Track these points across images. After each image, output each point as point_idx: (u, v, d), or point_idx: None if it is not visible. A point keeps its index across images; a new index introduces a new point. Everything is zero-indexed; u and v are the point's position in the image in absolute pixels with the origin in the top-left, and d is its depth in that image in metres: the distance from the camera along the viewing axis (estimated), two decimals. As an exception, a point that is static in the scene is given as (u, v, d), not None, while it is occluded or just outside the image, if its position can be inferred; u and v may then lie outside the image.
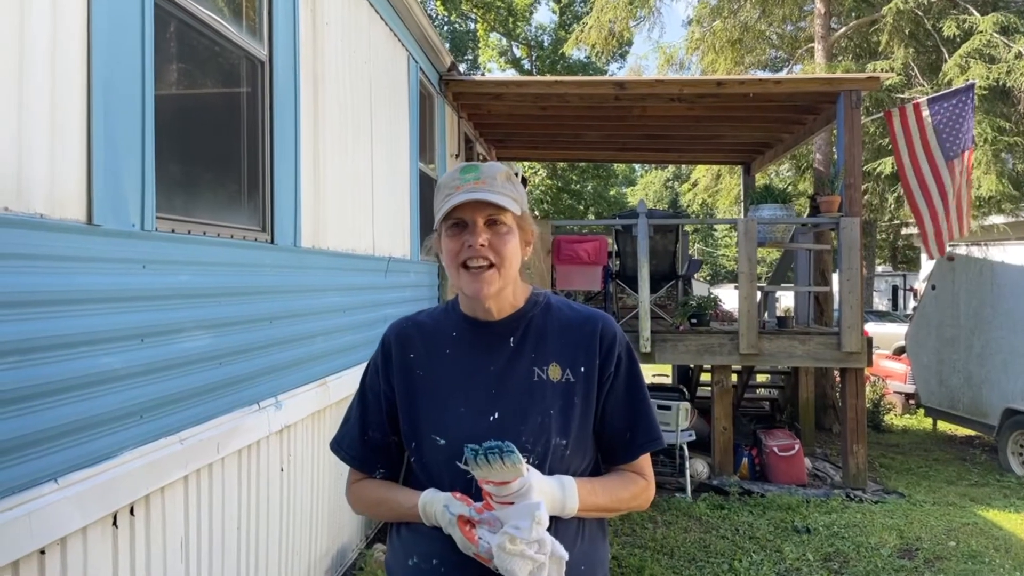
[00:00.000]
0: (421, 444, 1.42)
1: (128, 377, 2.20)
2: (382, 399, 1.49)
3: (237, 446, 2.84)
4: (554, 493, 1.30)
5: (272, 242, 3.24)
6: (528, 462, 1.34)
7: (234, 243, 2.90)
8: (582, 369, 1.42)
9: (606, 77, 8.16)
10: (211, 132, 3.07)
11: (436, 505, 1.32)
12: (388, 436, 1.50)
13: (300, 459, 3.52)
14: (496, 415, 1.39)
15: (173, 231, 2.47)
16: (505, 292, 1.43)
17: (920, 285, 15.74)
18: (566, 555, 1.24)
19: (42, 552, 1.83)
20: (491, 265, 1.38)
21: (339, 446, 1.56)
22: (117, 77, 2.16)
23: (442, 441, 1.38)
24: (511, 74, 26.37)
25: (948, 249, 8.92)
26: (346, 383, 4.07)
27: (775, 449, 6.87)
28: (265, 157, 3.22)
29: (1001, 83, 8.60)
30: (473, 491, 1.33)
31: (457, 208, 1.36)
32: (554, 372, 1.42)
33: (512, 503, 1.22)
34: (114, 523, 2.12)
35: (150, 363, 2.31)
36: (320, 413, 3.74)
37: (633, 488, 1.45)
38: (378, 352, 1.53)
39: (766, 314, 8.53)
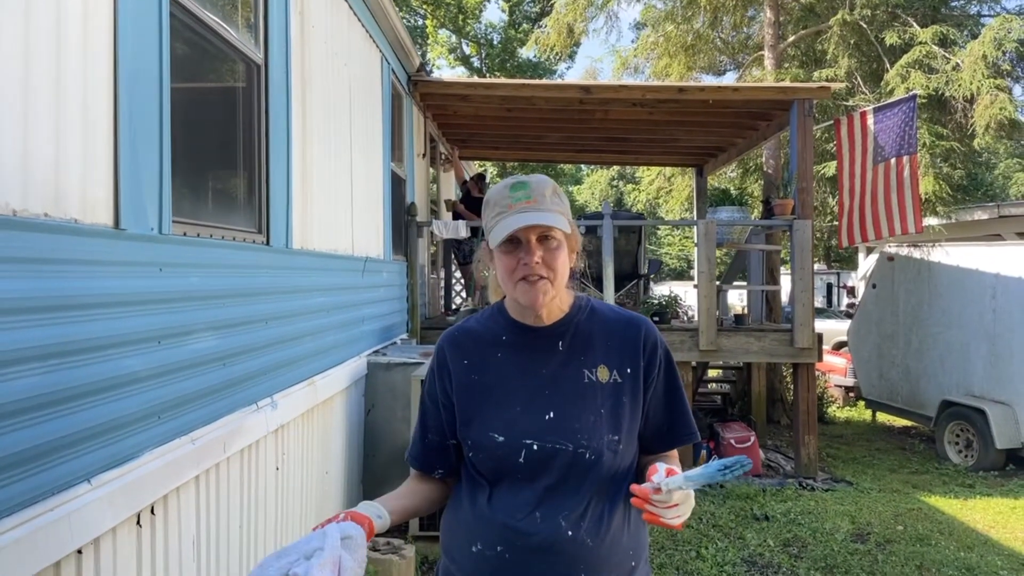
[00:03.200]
0: (479, 441, 1.50)
1: (148, 379, 2.23)
2: (439, 405, 1.58)
3: (240, 446, 2.88)
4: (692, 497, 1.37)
5: (268, 243, 3.27)
6: (586, 458, 1.45)
7: (235, 245, 2.93)
8: (628, 370, 1.53)
9: (572, 81, 8.32)
10: (213, 135, 3.09)
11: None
12: (446, 439, 1.58)
13: (292, 458, 3.56)
14: (551, 414, 1.48)
15: (185, 234, 2.50)
16: (555, 299, 1.53)
17: (855, 283, 16.44)
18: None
19: (79, 552, 1.86)
20: (544, 278, 1.46)
21: (409, 453, 1.65)
22: (140, 84, 2.19)
23: (500, 438, 1.47)
24: (461, 72, 26.35)
25: (892, 249, 9.42)
26: (331, 382, 4.12)
27: (732, 441, 7.16)
28: (261, 158, 3.25)
29: (939, 92, 9.10)
30: (525, 484, 1.44)
31: (511, 233, 1.44)
32: (603, 374, 1.52)
33: (678, 504, 1.29)
34: (138, 523, 2.15)
35: (166, 365, 2.34)
36: (310, 412, 3.77)
37: (680, 470, 1.58)
38: (434, 360, 1.62)
39: (718, 312, 8.85)
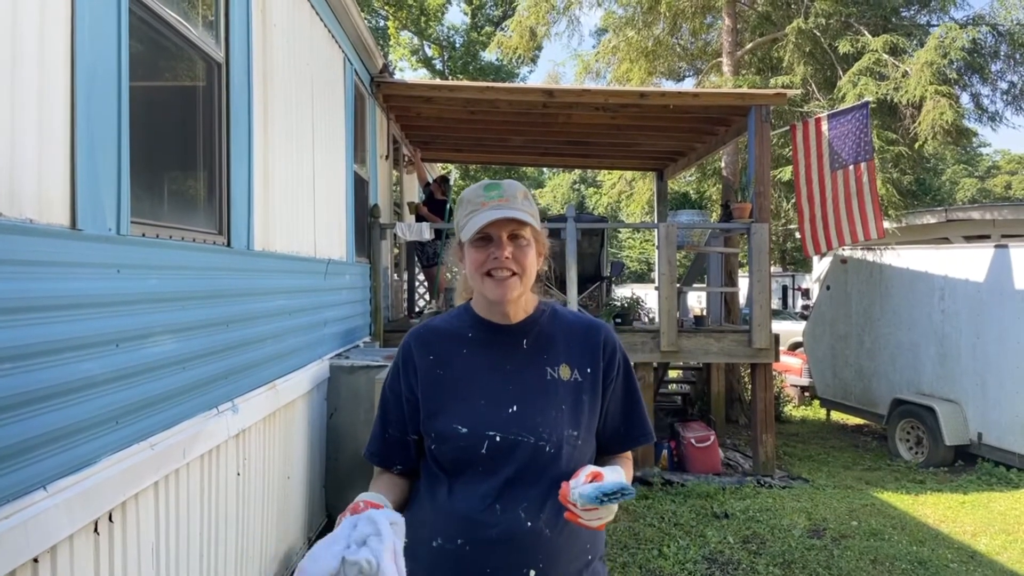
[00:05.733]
0: (443, 433, 1.52)
1: (106, 383, 2.18)
2: (402, 400, 1.59)
3: (200, 451, 2.83)
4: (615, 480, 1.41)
5: (228, 245, 3.22)
6: (546, 451, 1.49)
7: (195, 247, 2.88)
8: (588, 370, 1.58)
9: (536, 85, 8.37)
10: (172, 134, 3.03)
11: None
12: (407, 434, 1.59)
13: (254, 463, 3.50)
14: (514, 408, 1.51)
15: (143, 235, 2.45)
16: (521, 299, 1.58)
17: (810, 285, 16.82)
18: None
19: (35, 560, 1.81)
20: (513, 274, 1.51)
21: (367, 450, 1.65)
22: (98, 81, 2.15)
23: (464, 430, 1.50)
24: (423, 74, 26.28)
25: (845, 252, 9.66)
26: (293, 386, 4.07)
27: (692, 441, 7.26)
28: (222, 158, 3.20)
29: (889, 99, 9.38)
30: (485, 476, 1.47)
31: (484, 224, 1.49)
32: (564, 372, 1.57)
33: (597, 507, 1.31)
34: (95, 530, 2.10)
35: (124, 368, 2.29)
36: (271, 417, 3.72)
37: (632, 472, 1.66)
38: (398, 357, 1.63)
39: (678, 313, 8.98)
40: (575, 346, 1.60)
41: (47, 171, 1.92)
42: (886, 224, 10.17)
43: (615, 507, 1.34)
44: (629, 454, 1.69)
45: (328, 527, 4.91)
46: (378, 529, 1.22)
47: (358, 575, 1.15)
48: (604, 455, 1.65)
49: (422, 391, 1.57)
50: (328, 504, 4.94)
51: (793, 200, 10.94)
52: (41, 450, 1.86)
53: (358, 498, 1.38)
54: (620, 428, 1.63)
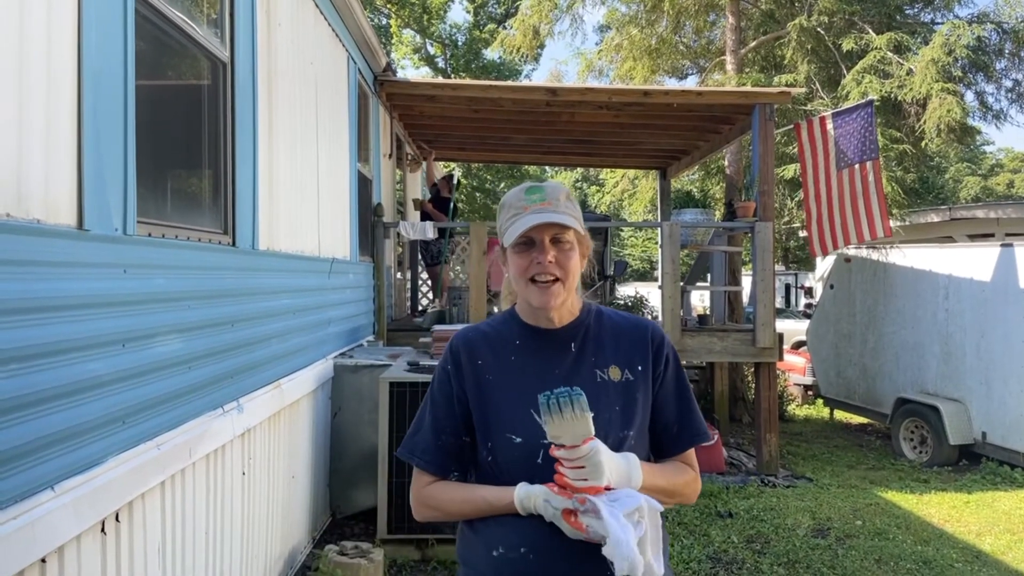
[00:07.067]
0: (497, 444, 1.50)
1: (112, 383, 2.18)
2: (455, 403, 1.56)
3: (205, 450, 2.83)
4: (620, 464, 1.41)
5: (233, 244, 3.22)
6: None
7: (200, 246, 2.88)
8: (639, 368, 1.56)
9: (539, 83, 8.38)
10: (178, 134, 3.04)
11: (536, 500, 1.40)
12: (461, 438, 1.56)
13: (259, 462, 3.51)
14: None
15: (149, 235, 2.45)
16: (566, 303, 1.55)
17: (813, 283, 16.77)
18: (660, 507, 1.37)
19: (43, 561, 1.82)
20: (556, 279, 1.49)
21: (411, 453, 1.59)
22: (104, 81, 2.15)
23: (518, 440, 1.48)
24: (425, 72, 26.27)
25: (849, 251, 9.64)
26: (298, 385, 4.08)
27: (696, 440, 7.24)
28: (227, 158, 3.20)
29: (893, 97, 9.35)
30: (544, 480, 1.43)
31: (527, 229, 1.48)
32: (614, 373, 1.55)
33: (583, 467, 1.33)
34: (102, 530, 2.11)
35: (130, 368, 2.29)
36: (276, 416, 3.73)
37: (686, 477, 1.59)
38: (447, 359, 1.60)
39: (681, 312, 8.97)
40: (623, 346, 1.58)
41: (54, 172, 1.92)
42: (891, 223, 10.14)
43: (602, 466, 1.34)
44: (689, 456, 1.61)
45: (332, 526, 4.91)
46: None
47: (639, 520, 1.32)
48: (659, 460, 1.60)
49: (472, 399, 1.55)
50: (332, 504, 4.95)
51: (796, 198, 10.93)
52: (48, 450, 1.87)
53: (537, 492, 1.40)
54: (672, 425, 1.59)
